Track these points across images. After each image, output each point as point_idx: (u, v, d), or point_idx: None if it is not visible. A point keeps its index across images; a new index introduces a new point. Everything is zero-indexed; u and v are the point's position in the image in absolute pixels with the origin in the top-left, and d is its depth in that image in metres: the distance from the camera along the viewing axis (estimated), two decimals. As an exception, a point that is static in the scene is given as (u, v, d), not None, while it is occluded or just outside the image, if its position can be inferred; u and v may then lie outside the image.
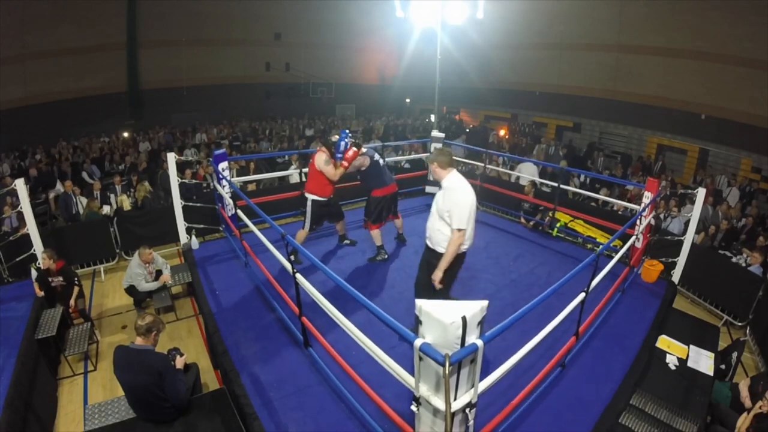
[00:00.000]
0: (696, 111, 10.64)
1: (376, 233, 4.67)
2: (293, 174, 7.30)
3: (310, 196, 4.47)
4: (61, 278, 4.54)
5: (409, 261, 4.68)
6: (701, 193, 4.42)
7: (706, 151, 10.79)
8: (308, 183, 4.51)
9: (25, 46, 11.51)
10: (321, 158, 4.35)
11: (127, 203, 7.23)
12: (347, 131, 4.34)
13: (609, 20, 11.70)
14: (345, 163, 4.31)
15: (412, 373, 1.93)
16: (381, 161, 4.61)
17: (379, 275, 4.47)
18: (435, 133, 6.97)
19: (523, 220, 6.35)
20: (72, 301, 4.63)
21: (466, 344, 1.71)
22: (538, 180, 7.40)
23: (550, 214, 5.97)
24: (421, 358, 1.78)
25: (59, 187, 8.76)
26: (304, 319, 2.98)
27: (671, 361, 3.43)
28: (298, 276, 2.75)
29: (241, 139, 12.82)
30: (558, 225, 6.03)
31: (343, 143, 4.23)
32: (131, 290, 4.89)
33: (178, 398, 2.72)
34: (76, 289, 4.67)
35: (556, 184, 5.91)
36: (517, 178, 8.15)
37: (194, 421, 2.79)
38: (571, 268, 2.73)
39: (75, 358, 4.23)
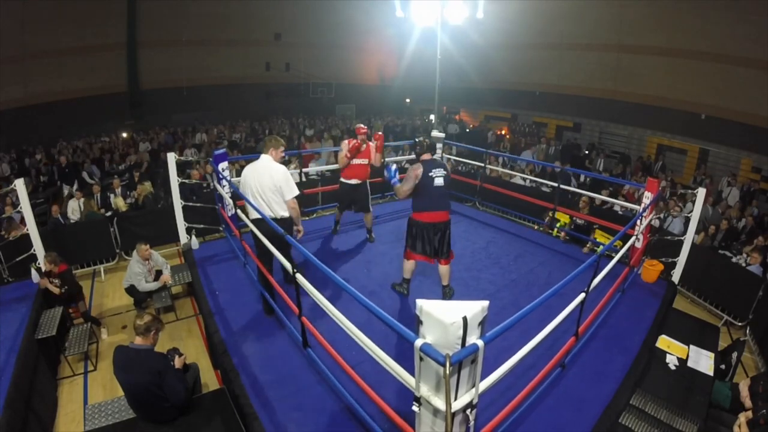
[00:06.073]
0: (696, 111, 10.65)
1: (407, 265, 3.97)
2: (293, 174, 7.29)
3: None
4: (58, 281, 4.52)
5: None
6: (701, 193, 4.41)
7: (706, 151, 10.80)
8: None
9: (25, 46, 11.51)
10: (343, 143, 4.92)
11: (122, 205, 7.22)
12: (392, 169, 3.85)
13: (609, 20, 11.70)
14: (348, 154, 4.79)
15: (412, 373, 1.93)
16: (438, 180, 3.69)
17: (379, 275, 4.47)
18: (435, 132, 6.96)
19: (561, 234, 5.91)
20: (79, 306, 4.74)
21: (467, 344, 1.71)
22: (538, 180, 7.42)
23: (550, 213, 5.98)
24: (421, 358, 1.78)
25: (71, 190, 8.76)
26: (304, 319, 2.98)
27: (671, 361, 3.42)
28: (298, 276, 2.75)
29: (241, 140, 12.82)
30: (558, 225, 6.04)
31: (393, 169, 3.80)
32: (131, 290, 4.90)
33: (177, 398, 2.71)
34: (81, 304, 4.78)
35: (556, 184, 5.91)
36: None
37: (194, 421, 2.79)
38: (572, 268, 2.73)
39: (75, 358, 4.23)
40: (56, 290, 4.46)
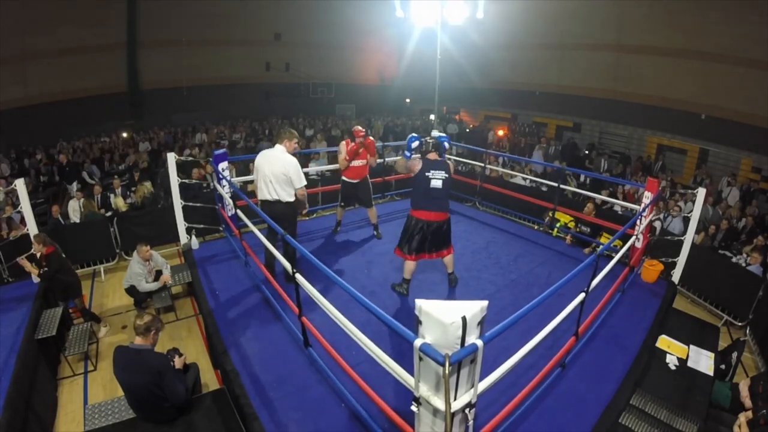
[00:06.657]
0: (696, 111, 10.64)
1: (408, 265, 3.98)
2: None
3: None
4: (44, 263, 4.43)
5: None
6: (701, 192, 4.41)
7: (706, 151, 10.80)
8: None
9: (25, 46, 11.50)
10: (341, 144, 4.99)
11: (122, 205, 7.21)
12: (416, 135, 4.01)
13: (609, 20, 11.69)
14: (348, 157, 4.89)
15: (411, 373, 1.94)
16: (436, 183, 3.71)
17: (379, 275, 4.47)
18: (435, 133, 6.94)
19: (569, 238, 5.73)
20: (78, 302, 4.68)
21: (466, 344, 1.71)
22: (538, 180, 7.41)
23: (550, 214, 5.98)
24: (420, 358, 1.78)
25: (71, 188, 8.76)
26: (304, 319, 2.98)
27: (671, 361, 3.43)
28: (298, 276, 2.75)
29: (241, 140, 12.82)
30: (558, 225, 6.03)
31: (413, 145, 3.93)
32: (131, 290, 4.89)
33: (177, 398, 2.72)
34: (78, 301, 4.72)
35: (555, 184, 5.91)
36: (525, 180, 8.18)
37: (194, 421, 2.79)
38: (571, 269, 2.73)
39: (75, 358, 4.23)
40: (35, 270, 4.37)
